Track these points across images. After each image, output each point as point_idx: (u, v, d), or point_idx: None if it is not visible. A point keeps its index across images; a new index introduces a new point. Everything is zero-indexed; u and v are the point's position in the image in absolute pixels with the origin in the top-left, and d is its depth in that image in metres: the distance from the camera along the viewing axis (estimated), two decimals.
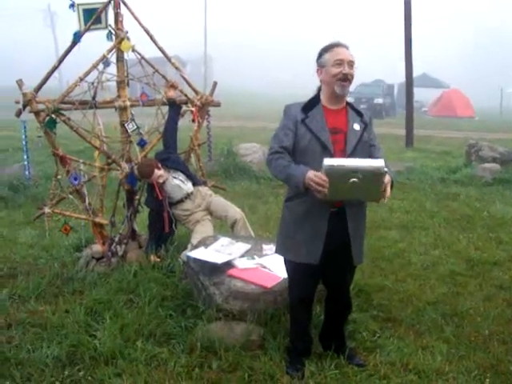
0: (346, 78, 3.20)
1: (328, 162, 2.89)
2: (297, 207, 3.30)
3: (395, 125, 21.48)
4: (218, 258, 4.33)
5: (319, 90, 3.37)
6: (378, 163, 2.92)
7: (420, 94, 33.54)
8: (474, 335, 4.09)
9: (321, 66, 3.29)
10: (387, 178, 3.02)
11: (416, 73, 19.46)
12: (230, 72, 68.55)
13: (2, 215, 7.72)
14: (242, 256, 4.52)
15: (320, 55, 3.30)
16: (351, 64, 3.22)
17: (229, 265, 4.32)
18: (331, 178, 2.89)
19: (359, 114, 3.36)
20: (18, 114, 4.90)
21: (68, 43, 5.04)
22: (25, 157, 5.48)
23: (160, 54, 5.42)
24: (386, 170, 2.94)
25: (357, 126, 3.29)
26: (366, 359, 3.68)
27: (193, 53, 53.80)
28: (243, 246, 4.68)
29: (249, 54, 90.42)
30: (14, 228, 7.02)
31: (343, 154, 3.18)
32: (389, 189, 3.08)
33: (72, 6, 5.05)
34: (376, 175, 2.94)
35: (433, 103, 34.52)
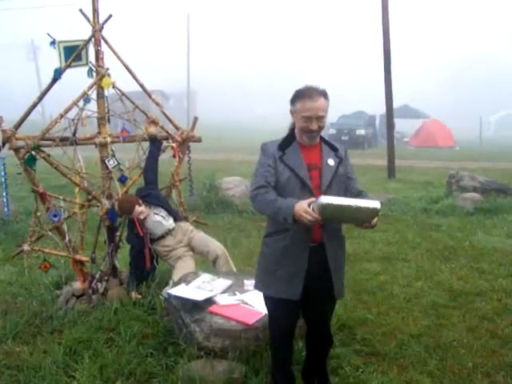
0: (313, 132, 3.24)
1: (324, 200, 2.90)
2: (276, 243, 3.29)
3: (378, 155, 21.68)
4: (199, 295, 4.29)
5: (293, 127, 3.39)
6: (374, 204, 2.97)
7: (401, 125, 34.00)
8: (458, 368, 4.08)
9: (292, 111, 3.31)
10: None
11: (397, 104, 19.75)
12: (213, 106, 69.15)
13: None
14: (224, 292, 4.49)
15: (293, 100, 3.29)
16: (320, 118, 3.21)
17: (210, 301, 4.28)
18: (324, 214, 2.92)
19: (333, 148, 3.39)
20: None
21: (51, 77, 5.06)
22: (4, 193, 5.44)
23: (140, 89, 5.45)
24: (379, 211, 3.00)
25: (331, 162, 3.32)
26: None
27: (176, 87, 54.24)
28: (224, 282, 4.64)
29: (232, 89, 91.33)
30: None
31: (319, 190, 3.20)
32: (376, 220, 3.12)
33: (53, 43, 5.09)
34: (371, 214, 3.01)
35: (414, 134, 34.91)
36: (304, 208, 2.95)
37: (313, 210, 2.93)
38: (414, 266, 6.82)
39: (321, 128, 3.25)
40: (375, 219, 3.07)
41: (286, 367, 3.59)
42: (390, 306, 5.36)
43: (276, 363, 3.59)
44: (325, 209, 2.89)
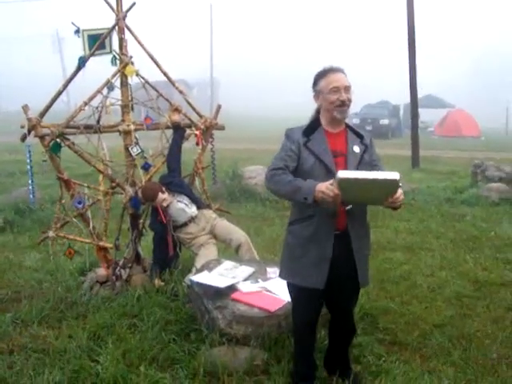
0: (344, 104, 3.21)
1: (342, 174, 2.86)
2: (301, 231, 3.28)
3: (401, 146, 21.46)
4: (222, 282, 4.31)
5: (318, 112, 3.38)
6: (392, 176, 2.88)
7: (426, 115, 33.60)
8: (482, 359, 4.03)
9: (317, 92, 3.31)
10: (400, 191, 3.01)
11: (421, 93, 19.51)
12: (236, 96, 69.02)
13: (8, 239, 7.73)
14: (246, 279, 4.49)
15: (315, 82, 3.31)
16: (347, 89, 3.22)
17: (232, 288, 4.29)
18: (344, 189, 2.87)
19: (359, 135, 3.36)
20: (23, 138, 4.94)
21: (75, 67, 5.09)
22: (29, 181, 5.50)
23: (164, 78, 5.46)
24: (400, 182, 2.92)
25: (356, 149, 3.29)
26: None
27: (200, 77, 54.28)
28: (247, 270, 4.65)
29: (254, 78, 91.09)
30: (20, 252, 7.02)
31: None
32: (402, 196, 3.05)
33: (77, 32, 5.13)
34: (391, 187, 2.94)
35: (438, 123, 34.50)
36: (325, 185, 2.93)
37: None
38: (438, 255, 6.75)
39: (349, 100, 3.23)
40: (398, 193, 2.99)
41: (309, 355, 3.58)
42: (413, 296, 5.32)
43: (298, 351, 3.59)
44: (343, 183, 2.84)
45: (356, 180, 2.85)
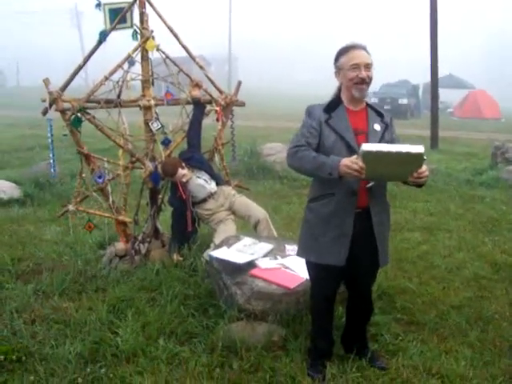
0: (363, 82, 3.19)
1: (366, 147, 2.86)
2: (322, 208, 3.27)
3: (420, 126, 21.26)
4: (241, 258, 4.33)
5: (339, 90, 3.35)
6: (417, 149, 2.86)
7: (445, 95, 33.13)
8: (500, 341, 4.02)
9: (338, 68, 3.29)
10: (424, 166, 3.01)
11: (441, 73, 19.21)
12: (254, 72, 68.61)
13: (28, 212, 7.82)
14: (265, 256, 4.51)
15: (337, 58, 3.29)
16: (368, 67, 3.20)
17: (251, 265, 4.31)
18: (368, 163, 2.87)
19: (379, 114, 3.35)
20: (44, 112, 4.96)
21: (94, 42, 5.08)
22: (51, 155, 5.53)
23: (184, 54, 5.43)
24: (424, 156, 2.91)
25: (377, 127, 3.28)
26: (389, 362, 3.65)
27: (217, 53, 54.05)
28: (266, 246, 4.67)
29: (273, 54, 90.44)
30: (40, 225, 7.11)
31: None
32: (427, 172, 3.05)
33: (98, 5, 5.10)
34: (416, 160, 2.92)
35: (458, 104, 34.02)
36: (350, 158, 2.94)
37: None
38: (456, 237, 6.72)
39: (370, 78, 3.21)
40: (423, 168, 2.99)
41: (326, 332, 3.61)
42: (430, 276, 5.31)
43: (316, 328, 3.61)
44: (367, 156, 2.84)
45: (380, 153, 2.84)
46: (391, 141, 3.31)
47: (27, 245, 6.15)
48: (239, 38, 57.19)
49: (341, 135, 3.20)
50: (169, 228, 5.61)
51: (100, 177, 5.23)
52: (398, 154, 2.85)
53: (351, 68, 3.18)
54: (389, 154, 2.84)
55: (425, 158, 2.92)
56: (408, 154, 2.86)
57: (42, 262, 5.53)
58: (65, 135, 5.04)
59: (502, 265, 5.67)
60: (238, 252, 4.50)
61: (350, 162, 2.93)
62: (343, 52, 3.25)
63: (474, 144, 17.21)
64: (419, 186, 3.16)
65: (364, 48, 3.25)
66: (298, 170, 3.24)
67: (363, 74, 3.17)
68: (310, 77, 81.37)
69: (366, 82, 3.20)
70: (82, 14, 57.55)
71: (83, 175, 5.28)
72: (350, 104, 3.31)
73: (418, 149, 2.86)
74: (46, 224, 7.12)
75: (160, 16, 5.18)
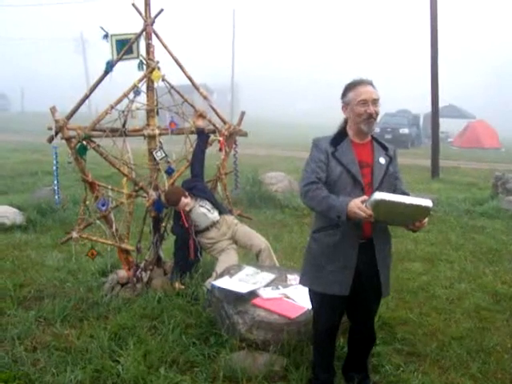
0: (371, 117, 3.26)
1: (378, 196, 2.95)
2: (325, 239, 3.32)
3: (421, 155, 21.39)
4: (243, 288, 4.35)
5: (345, 122, 3.42)
6: (426, 203, 3.00)
7: (446, 125, 33.37)
8: (501, 373, 4.02)
9: (345, 103, 3.35)
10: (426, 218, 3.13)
11: (442, 103, 19.39)
12: (256, 101, 69.13)
13: (30, 238, 7.83)
14: (267, 286, 4.53)
15: (344, 93, 3.36)
16: (375, 102, 3.27)
17: (253, 294, 4.33)
18: (377, 211, 2.96)
19: (384, 147, 3.42)
20: (50, 140, 5.02)
21: (98, 70, 5.18)
22: (55, 181, 5.57)
23: (188, 82, 5.52)
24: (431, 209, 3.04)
25: (382, 160, 3.34)
26: None
27: (219, 81, 54.55)
28: (268, 276, 4.69)
29: (273, 84, 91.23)
30: (42, 251, 7.11)
31: (370, 187, 3.22)
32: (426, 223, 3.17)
33: (106, 36, 5.21)
34: (423, 213, 3.06)
35: (459, 134, 34.21)
36: (358, 205, 2.99)
37: (366, 207, 2.96)
38: (457, 267, 6.72)
39: (377, 114, 3.28)
40: (426, 219, 3.10)
41: (328, 363, 3.61)
42: (431, 307, 5.31)
43: (318, 358, 3.62)
44: (378, 204, 2.93)
45: (391, 202, 2.95)
46: (394, 173, 3.38)
47: (29, 271, 6.16)
48: (241, 67, 57.79)
49: (347, 168, 3.25)
50: (171, 256, 5.64)
51: (103, 204, 5.27)
52: (408, 206, 2.98)
53: (359, 103, 3.25)
54: (400, 204, 2.96)
55: (431, 212, 3.05)
56: (417, 207, 3.00)
57: (44, 288, 5.54)
58: (69, 163, 5.10)
59: (503, 296, 5.67)
60: (240, 281, 4.52)
61: (357, 210, 2.98)
62: (351, 87, 3.32)
63: (474, 174, 17.29)
64: (414, 231, 3.25)
65: (371, 83, 3.32)
66: (312, 209, 3.32)
67: (371, 109, 3.24)
68: (309, 105, 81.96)
69: (373, 117, 3.27)
70: (87, 41, 58.30)
71: (87, 202, 5.32)
72: (356, 137, 3.37)
73: (427, 202, 3.01)
74: (48, 250, 7.13)
75: (166, 47, 5.28)
